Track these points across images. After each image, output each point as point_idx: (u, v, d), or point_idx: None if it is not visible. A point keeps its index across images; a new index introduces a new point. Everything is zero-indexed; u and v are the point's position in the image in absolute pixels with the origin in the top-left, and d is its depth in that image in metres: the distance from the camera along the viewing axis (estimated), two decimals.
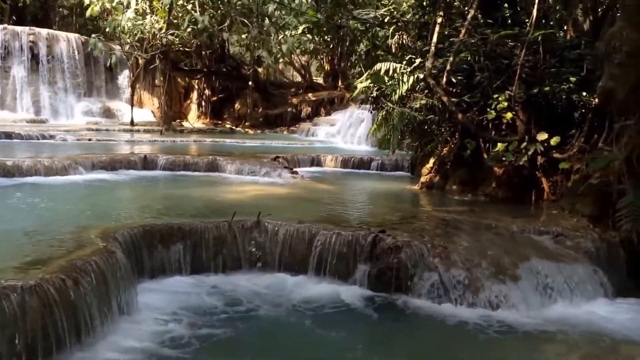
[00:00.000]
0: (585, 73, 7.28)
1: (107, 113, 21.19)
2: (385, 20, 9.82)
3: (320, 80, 26.29)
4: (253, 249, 5.35)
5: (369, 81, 8.94)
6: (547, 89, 7.21)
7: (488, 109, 7.73)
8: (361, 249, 5.13)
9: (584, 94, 7.12)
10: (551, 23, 8.56)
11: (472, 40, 7.90)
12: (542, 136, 7.20)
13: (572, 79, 7.18)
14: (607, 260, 5.62)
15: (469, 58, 8.01)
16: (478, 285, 4.91)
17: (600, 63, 6.46)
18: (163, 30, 18.71)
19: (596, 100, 6.74)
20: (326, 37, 20.66)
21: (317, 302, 4.72)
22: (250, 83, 22.08)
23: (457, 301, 4.80)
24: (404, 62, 8.43)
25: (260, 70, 24.07)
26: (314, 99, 23.15)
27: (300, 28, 17.88)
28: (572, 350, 4.13)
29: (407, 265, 4.93)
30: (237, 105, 23.36)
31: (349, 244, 5.16)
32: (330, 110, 21.86)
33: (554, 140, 7.16)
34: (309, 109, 22.93)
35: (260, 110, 23.08)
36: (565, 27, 9.00)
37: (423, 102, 8.33)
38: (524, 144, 7.36)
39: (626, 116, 6.12)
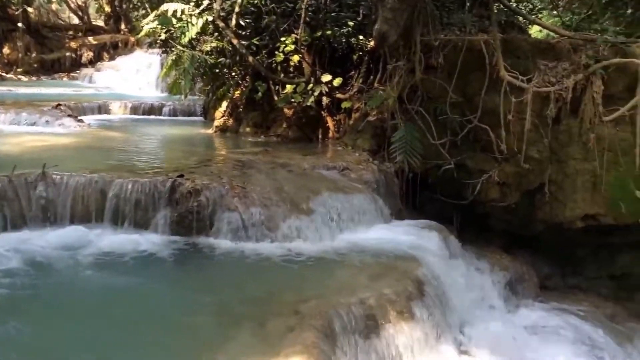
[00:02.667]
0: (361, 18, 7.69)
1: None
2: None
3: (101, 23, 24.10)
4: (42, 203, 4.82)
5: (155, 23, 8.42)
6: (329, 32, 7.48)
7: (276, 52, 7.81)
8: (160, 195, 4.91)
9: (361, 37, 7.54)
10: None
11: None
12: (326, 78, 7.51)
13: (350, 23, 7.54)
14: (384, 189, 6.19)
15: (256, 1, 7.94)
16: (276, 222, 5.06)
17: (375, 8, 6.88)
18: None
19: (372, 43, 7.19)
20: None
21: (115, 253, 4.45)
22: (20, 25, 19.39)
23: (257, 238, 4.90)
24: (192, 3, 8.07)
25: (30, 10, 21.20)
26: (95, 43, 21.19)
27: None
28: (361, 272, 4.48)
29: (207, 208, 4.87)
30: (5, 50, 20.39)
31: (146, 191, 4.90)
32: (115, 55, 20.25)
33: (337, 82, 7.52)
34: (91, 53, 20.96)
35: (34, 55, 20.49)
36: None
37: (214, 45, 8.12)
38: (311, 85, 7.62)
39: (397, 58, 6.65)
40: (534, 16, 7.97)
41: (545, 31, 7.84)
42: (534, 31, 8.45)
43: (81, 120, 8.94)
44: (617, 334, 5.65)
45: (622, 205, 5.62)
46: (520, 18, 7.80)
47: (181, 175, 5.07)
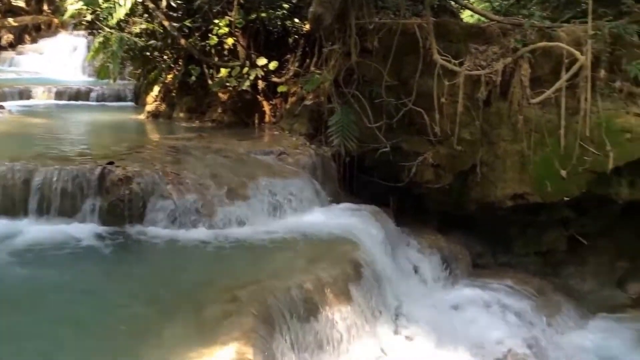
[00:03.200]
0: (296, 0, 7.63)
1: None
2: None
3: (22, 3, 22.85)
4: None
5: (81, 3, 8.06)
6: (263, 15, 7.40)
7: (210, 35, 7.65)
8: (88, 184, 4.72)
9: (296, 20, 7.49)
10: None
11: None
12: (262, 61, 7.43)
13: (285, 5, 7.48)
14: (322, 173, 6.21)
15: None
16: (211, 208, 4.99)
17: None
18: None
19: (307, 26, 7.16)
20: None
21: (42, 245, 4.25)
22: None
23: (192, 225, 4.81)
24: None
25: None
26: (15, 24, 20.05)
27: None
28: (299, 256, 4.50)
29: (140, 196, 4.73)
30: None
31: (74, 179, 4.70)
32: (37, 38, 19.26)
33: (273, 65, 7.46)
34: (11, 36, 19.82)
35: None
36: None
37: (143, 26, 7.86)
38: (246, 69, 7.52)
39: (333, 41, 6.66)
40: (465, 1, 8.14)
41: (476, 15, 8.03)
42: (466, 15, 8.65)
43: (1, 107, 8.47)
44: (544, 307, 5.93)
45: (548, 184, 5.87)
46: (453, 2, 7.96)
47: (111, 163, 4.90)
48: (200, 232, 4.77)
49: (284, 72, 7.59)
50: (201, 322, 3.33)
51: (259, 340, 3.19)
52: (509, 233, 6.71)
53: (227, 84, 7.61)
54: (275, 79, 7.59)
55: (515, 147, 5.99)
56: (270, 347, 3.30)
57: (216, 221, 4.92)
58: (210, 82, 7.83)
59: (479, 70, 5.87)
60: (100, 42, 7.73)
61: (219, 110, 7.98)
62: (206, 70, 7.91)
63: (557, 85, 5.70)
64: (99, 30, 7.93)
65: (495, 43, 6.18)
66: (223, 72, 7.63)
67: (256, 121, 7.82)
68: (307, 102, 7.03)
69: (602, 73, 5.75)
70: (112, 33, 7.52)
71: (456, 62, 5.98)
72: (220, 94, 7.93)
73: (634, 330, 6.22)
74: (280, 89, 7.51)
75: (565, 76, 5.68)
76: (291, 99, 7.45)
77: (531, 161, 5.91)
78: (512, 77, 5.90)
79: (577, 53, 5.62)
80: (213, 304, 3.52)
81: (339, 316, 4.04)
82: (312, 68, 7.13)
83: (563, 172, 5.80)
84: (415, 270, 5.78)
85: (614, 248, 6.83)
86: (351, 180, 6.62)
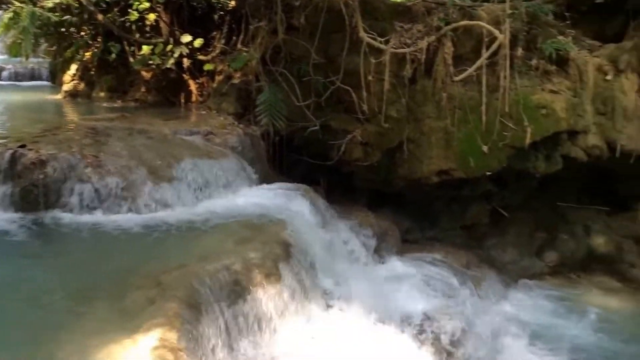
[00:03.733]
0: None
1: None
2: None
3: None
4: None
5: None
6: None
7: (130, 10, 7.34)
8: None
9: None
10: None
11: None
12: (186, 38, 7.22)
13: None
14: (251, 153, 6.13)
15: None
16: (135, 191, 4.82)
17: None
18: None
19: (232, 2, 7.00)
20: None
21: None
22: None
23: (114, 209, 4.64)
24: None
25: None
26: None
27: None
28: (227, 238, 4.42)
29: (56, 180, 4.51)
30: None
31: None
32: None
33: (198, 42, 7.25)
34: None
35: None
36: None
37: (57, 0, 7.44)
38: (170, 46, 7.29)
39: (259, 18, 6.54)
40: None
41: None
42: None
43: None
44: (470, 278, 6.17)
45: (471, 159, 6.05)
46: None
47: (23, 146, 4.63)
48: (123, 217, 4.61)
49: (210, 49, 7.41)
50: (123, 309, 3.23)
51: (184, 325, 3.13)
52: (435, 208, 6.91)
53: (150, 62, 7.35)
54: (201, 57, 7.40)
55: (439, 124, 6.12)
56: (197, 331, 3.25)
57: (140, 205, 4.77)
58: (132, 60, 7.54)
59: (404, 48, 5.93)
60: (9, 18, 7.25)
61: (142, 89, 7.72)
62: (127, 48, 7.61)
63: (478, 63, 5.86)
64: (8, 4, 7.44)
65: (420, 21, 6.26)
66: (145, 49, 7.36)
67: (182, 101, 7.62)
68: (235, 81, 6.91)
69: (520, 51, 5.96)
70: (22, 7, 7.07)
71: (382, 40, 6.02)
72: (143, 73, 7.66)
73: (551, 295, 6.61)
74: (207, 67, 7.33)
75: (485, 54, 5.85)
76: (218, 78, 7.28)
77: (455, 138, 6.07)
78: (436, 55, 6.00)
79: (496, 32, 5.78)
80: (136, 291, 3.41)
81: (268, 296, 4.02)
82: (238, 46, 6.99)
83: (485, 148, 5.99)
84: (346, 247, 5.84)
85: (532, 220, 7.19)
86: (281, 160, 6.59)
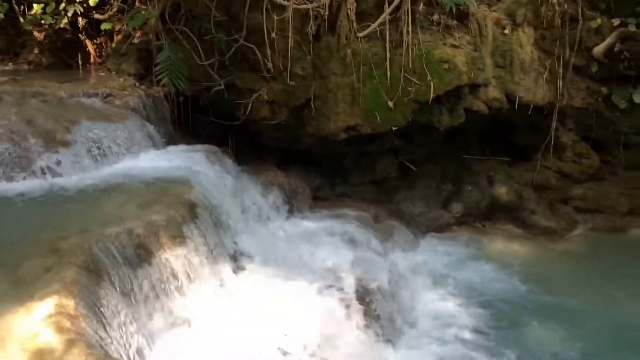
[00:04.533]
0: None
1: None
2: None
3: None
4: None
5: None
6: None
7: None
8: None
9: None
10: None
11: None
12: None
13: None
14: (154, 115, 6.02)
15: None
16: (29, 157, 4.66)
17: None
18: None
19: None
20: None
21: None
22: None
23: (7, 177, 4.48)
24: None
25: None
26: None
27: None
28: (130, 201, 4.36)
29: None
30: None
31: None
32: None
33: (93, 1, 6.92)
34: None
35: None
36: None
37: None
38: (63, 4, 6.91)
39: None
40: None
41: None
42: None
43: None
44: (380, 231, 6.42)
45: (377, 115, 6.22)
46: None
47: None
48: (17, 184, 4.45)
49: (106, 7, 7.08)
50: (18, 279, 3.16)
51: (82, 291, 3.10)
52: (345, 164, 7.07)
53: (42, 21, 6.96)
54: (97, 16, 7.06)
55: (345, 81, 6.22)
56: (97, 297, 3.23)
57: (35, 171, 4.61)
58: (22, 20, 7.11)
59: (307, 4, 5.93)
60: None
61: (35, 50, 7.31)
62: (16, 7, 7.16)
63: (380, 18, 5.98)
64: None
65: None
66: (36, 8, 6.94)
67: (79, 62, 7.26)
68: (135, 41, 6.69)
69: (421, 6, 6.12)
70: None
71: None
72: (35, 33, 7.24)
73: (458, 244, 7.01)
74: (104, 26, 7.01)
75: (387, 10, 5.96)
76: (117, 38, 7.02)
77: (361, 94, 6.20)
78: (339, 11, 6.05)
79: None
80: (32, 259, 3.33)
81: (174, 259, 4.04)
82: (137, 3, 6.72)
83: (390, 103, 6.17)
84: (256, 206, 5.91)
85: (438, 172, 7.52)
86: (187, 121, 6.49)
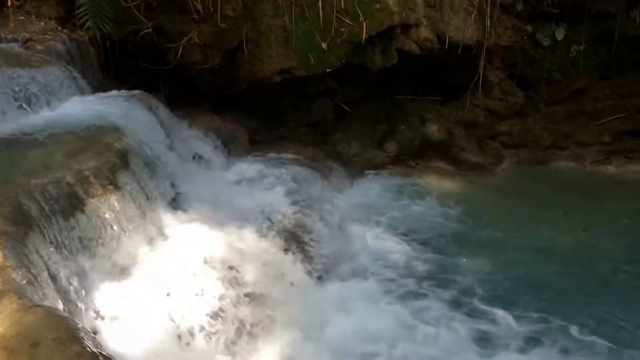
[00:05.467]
0: None
1: None
2: None
3: None
4: None
5: None
6: None
7: None
8: None
9: None
10: None
11: None
12: None
13: None
14: (79, 60, 5.68)
15: None
16: None
17: None
18: None
19: None
20: None
21: None
22: None
23: None
24: None
25: None
26: None
27: None
28: (57, 150, 4.14)
29: None
30: None
31: None
32: None
33: None
34: None
35: None
36: None
37: None
38: None
39: None
40: None
41: None
42: None
43: None
44: (317, 172, 6.41)
45: (311, 57, 6.10)
46: None
47: None
48: None
49: None
50: None
51: (9, 242, 2.95)
52: (281, 108, 6.96)
53: None
54: None
55: (278, 22, 6.03)
56: (26, 248, 3.08)
57: None
58: None
59: None
60: None
61: None
62: None
63: None
64: None
65: None
66: None
67: None
68: None
69: None
70: None
71: None
72: None
73: (393, 183, 7.11)
74: None
75: None
76: None
77: (294, 35, 6.04)
78: None
79: None
80: None
81: (107, 208, 3.90)
82: None
83: (324, 45, 6.05)
84: (192, 152, 5.76)
85: (373, 113, 7.53)
86: (116, 67, 6.16)
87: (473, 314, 4.54)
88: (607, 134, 7.62)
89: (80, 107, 4.97)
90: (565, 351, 4.15)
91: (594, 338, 4.24)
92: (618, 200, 6.65)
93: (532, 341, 4.23)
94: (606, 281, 5.03)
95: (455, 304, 4.65)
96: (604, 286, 4.94)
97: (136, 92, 5.56)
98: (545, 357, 4.09)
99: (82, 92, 5.25)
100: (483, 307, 4.62)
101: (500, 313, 4.50)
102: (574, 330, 4.32)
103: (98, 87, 5.58)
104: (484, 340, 4.25)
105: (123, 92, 5.53)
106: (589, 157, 7.66)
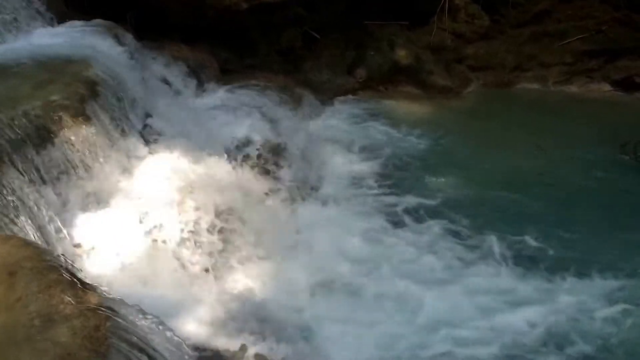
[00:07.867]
0: None
1: None
2: None
3: None
4: None
5: None
6: None
7: None
8: None
9: None
10: None
11: None
12: None
13: None
14: None
15: None
16: None
17: None
18: None
19: None
20: None
21: None
22: None
23: None
24: None
25: None
26: None
27: None
28: (24, 82, 3.99)
29: None
30: None
31: None
32: None
33: None
34: None
35: None
36: None
37: None
38: None
39: None
40: None
41: None
42: None
43: None
44: (288, 100, 6.27)
45: None
46: None
47: None
48: None
49: None
50: None
51: None
52: (251, 37, 6.67)
53: None
54: None
55: None
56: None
57: None
58: None
59: None
60: None
61: None
62: None
63: None
64: None
65: None
66: None
67: None
68: None
69: None
70: None
71: None
72: None
73: (363, 107, 7.01)
74: None
75: None
76: None
77: None
78: None
79: None
80: None
81: (78, 139, 3.78)
82: None
83: None
84: (163, 82, 5.56)
85: (343, 40, 7.29)
86: None
87: (437, 229, 4.60)
88: (569, 54, 7.54)
89: (45, 39, 4.75)
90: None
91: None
92: (580, 119, 6.68)
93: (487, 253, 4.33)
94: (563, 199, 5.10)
95: (419, 220, 4.70)
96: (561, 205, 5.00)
97: (102, 21, 5.29)
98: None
99: (45, 23, 4.99)
100: (448, 224, 4.67)
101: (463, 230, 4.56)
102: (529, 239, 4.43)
103: (63, 17, 5.28)
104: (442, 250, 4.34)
105: (88, 22, 5.25)
106: (551, 77, 7.60)
